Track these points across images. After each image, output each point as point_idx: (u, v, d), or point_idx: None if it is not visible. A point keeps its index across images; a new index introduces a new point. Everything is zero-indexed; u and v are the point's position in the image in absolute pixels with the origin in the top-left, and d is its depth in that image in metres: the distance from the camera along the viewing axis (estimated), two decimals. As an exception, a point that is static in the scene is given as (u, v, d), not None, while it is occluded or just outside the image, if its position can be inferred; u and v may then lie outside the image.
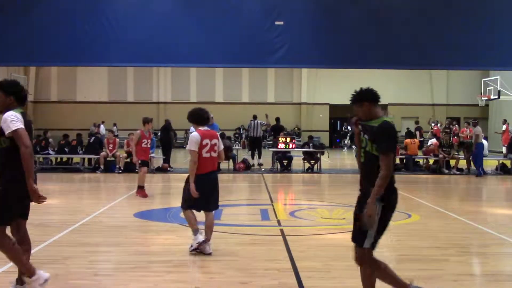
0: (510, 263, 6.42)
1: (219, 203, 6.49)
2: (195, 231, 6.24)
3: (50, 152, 17.78)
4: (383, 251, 6.84)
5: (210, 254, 6.14)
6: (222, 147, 6.40)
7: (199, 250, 6.15)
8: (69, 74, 33.28)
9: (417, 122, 25.55)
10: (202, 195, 6.12)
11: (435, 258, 6.23)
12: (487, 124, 31.17)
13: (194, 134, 6.27)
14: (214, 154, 6.26)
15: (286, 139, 17.39)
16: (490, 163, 19.68)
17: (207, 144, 6.19)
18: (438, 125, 27.66)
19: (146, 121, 11.19)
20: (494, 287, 5.25)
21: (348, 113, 35.39)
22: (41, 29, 15.65)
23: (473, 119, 17.88)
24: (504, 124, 25.44)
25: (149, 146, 11.33)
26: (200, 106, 6.82)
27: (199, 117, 6.39)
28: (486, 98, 27.65)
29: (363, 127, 4.31)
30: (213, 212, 6.43)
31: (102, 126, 29.10)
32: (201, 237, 6.19)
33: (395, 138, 4.08)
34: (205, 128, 6.36)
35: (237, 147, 20.51)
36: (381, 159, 3.94)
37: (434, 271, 5.64)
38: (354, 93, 4.42)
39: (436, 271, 5.66)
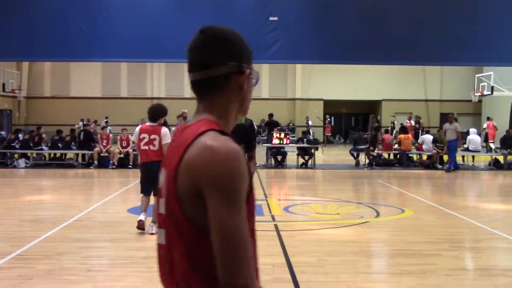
0: (502, 257, 6.46)
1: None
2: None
3: (44, 147, 17.69)
4: (377, 246, 6.88)
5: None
6: (165, 142, 6.88)
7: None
8: (62, 69, 33.09)
9: (377, 121, 25.09)
10: (145, 181, 7.04)
11: (428, 253, 6.26)
12: (480, 119, 31.32)
13: (136, 129, 7.30)
14: (152, 148, 6.96)
15: (280, 134, 17.39)
16: (483, 159, 19.82)
17: (144, 138, 6.99)
18: (411, 121, 27.79)
19: (180, 115, 10.44)
20: (487, 281, 5.28)
21: (342, 108, 35.59)
22: (34, 25, 15.56)
23: (449, 115, 17.90)
24: (487, 121, 25.56)
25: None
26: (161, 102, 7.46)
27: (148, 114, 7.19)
28: (480, 94, 27.77)
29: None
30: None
31: (104, 121, 28.81)
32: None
33: None
34: (152, 124, 7.07)
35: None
36: (252, 155, 4.00)
37: (427, 266, 5.67)
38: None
39: (429, 265, 5.69)
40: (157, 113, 7.10)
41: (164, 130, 7.04)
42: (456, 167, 16.58)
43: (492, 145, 21.97)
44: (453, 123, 16.34)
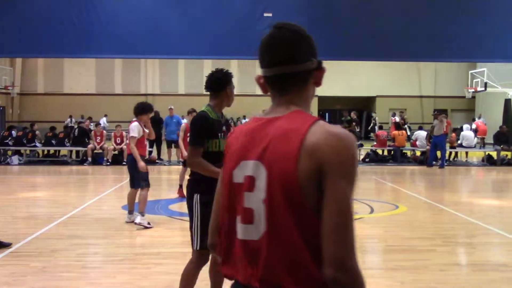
0: (495, 253, 6.49)
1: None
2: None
3: (37, 144, 17.63)
4: (371, 242, 6.90)
5: (138, 224, 7.17)
6: (130, 135, 7.33)
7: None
8: (56, 66, 32.95)
9: (352, 115, 24.79)
10: None
11: (422, 248, 6.29)
12: (474, 116, 31.48)
13: None
14: (127, 141, 7.53)
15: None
16: (477, 154, 19.92)
17: None
18: (396, 117, 27.92)
19: (192, 111, 10.04)
20: (480, 276, 5.31)
21: (337, 104, 35.61)
22: (27, 20, 15.45)
23: (435, 112, 17.95)
24: (475, 120, 25.67)
25: None
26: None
27: None
28: (473, 90, 27.89)
29: (226, 124, 3.94)
30: (138, 189, 7.36)
31: (104, 118, 28.70)
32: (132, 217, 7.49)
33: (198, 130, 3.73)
34: (134, 118, 7.49)
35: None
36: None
37: (421, 261, 5.70)
38: (225, 72, 3.87)
39: (423, 261, 5.72)
40: (136, 107, 7.46)
41: (131, 125, 7.33)
42: (430, 164, 16.58)
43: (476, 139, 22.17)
44: (438, 118, 16.43)
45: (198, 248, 3.75)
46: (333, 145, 1.42)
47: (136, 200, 7.48)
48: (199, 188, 3.73)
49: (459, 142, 18.62)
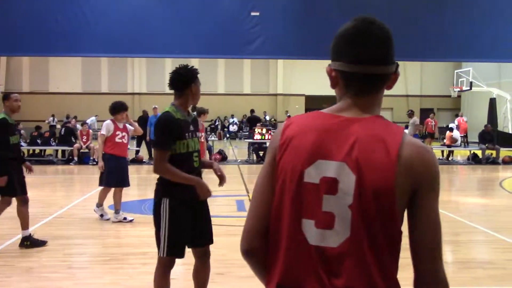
0: (480, 250, 6.57)
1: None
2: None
3: (22, 144, 17.46)
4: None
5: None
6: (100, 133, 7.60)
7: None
8: (41, 64, 32.62)
9: None
10: None
11: (408, 246, 6.32)
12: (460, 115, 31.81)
13: None
14: None
15: (262, 130, 17.40)
16: (462, 153, 20.12)
17: None
18: None
19: (203, 111, 9.91)
20: (466, 274, 5.37)
21: (324, 104, 35.78)
22: (12, 18, 15.28)
23: (409, 111, 18.09)
24: (456, 117, 26.00)
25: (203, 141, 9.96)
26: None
27: None
28: (459, 89, 28.16)
29: (194, 123, 3.74)
30: (122, 187, 7.66)
31: (93, 118, 28.43)
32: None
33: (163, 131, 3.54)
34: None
35: (213, 138, 20.45)
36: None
37: (407, 260, 5.69)
38: (189, 68, 3.74)
39: (409, 259, 5.74)
40: (110, 107, 7.56)
41: (104, 123, 7.60)
42: None
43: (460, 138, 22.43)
44: (412, 118, 16.57)
45: (164, 255, 3.57)
46: (425, 159, 1.39)
47: (123, 199, 7.46)
48: (168, 192, 3.56)
49: (445, 141, 18.80)
